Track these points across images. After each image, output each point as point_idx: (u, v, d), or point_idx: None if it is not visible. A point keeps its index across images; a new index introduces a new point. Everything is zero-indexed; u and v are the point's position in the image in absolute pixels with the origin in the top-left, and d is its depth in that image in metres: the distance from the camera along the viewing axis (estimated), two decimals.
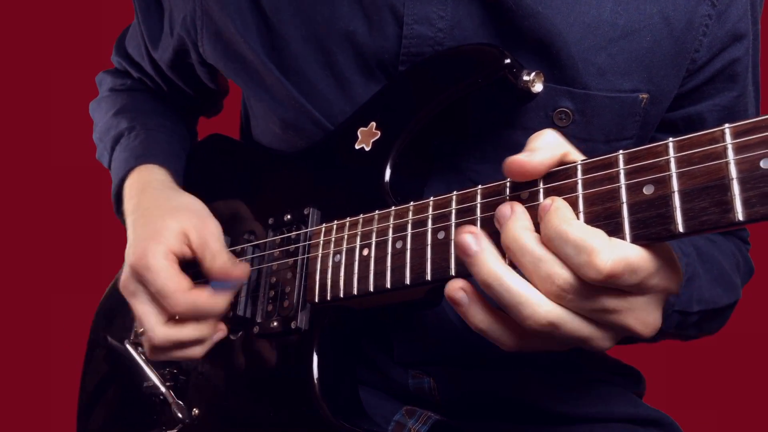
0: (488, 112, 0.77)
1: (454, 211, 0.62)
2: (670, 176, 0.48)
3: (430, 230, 0.63)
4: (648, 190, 0.49)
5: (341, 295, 0.71)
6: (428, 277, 0.62)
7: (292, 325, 0.76)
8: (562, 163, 0.56)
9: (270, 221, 0.84)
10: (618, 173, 0.51)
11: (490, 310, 0.55)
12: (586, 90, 0.75)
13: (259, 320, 0.81)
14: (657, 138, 0.83)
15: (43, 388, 1.97)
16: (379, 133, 0.77)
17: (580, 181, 0.53)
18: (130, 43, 1.10)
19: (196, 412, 0.86)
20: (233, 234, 0.90)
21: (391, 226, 0.67)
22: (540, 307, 0.51)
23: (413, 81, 0.76)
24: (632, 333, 0.53)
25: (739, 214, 0.45)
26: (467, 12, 0.75)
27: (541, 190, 0.56)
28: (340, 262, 0.72)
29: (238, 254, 0.86)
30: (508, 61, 0.68)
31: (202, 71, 0.99)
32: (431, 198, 0.65)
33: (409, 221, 0.66)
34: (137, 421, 0.94)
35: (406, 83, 0.77)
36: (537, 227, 0.53)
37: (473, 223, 0.60)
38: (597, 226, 0.51)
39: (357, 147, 0.79)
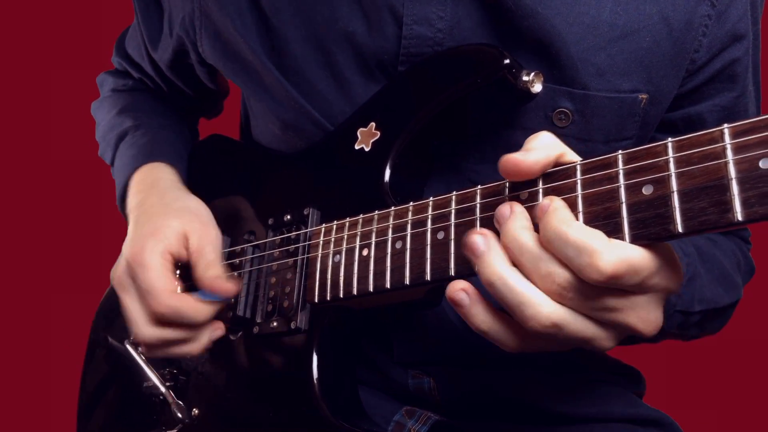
0: (488, 113, 0.77)
1: (453, 212, 0.62)
2: (669, 176, 0.48)
3: (429, 230, 0.63)
4: (647, 191, 0.49)
5: (341, 295, 0.71)
6: (428, 277, 0.62)
7: (292, 325, 0.76)
8: (557, 163, 0.56)
9: (270, 221, 0.84)
10: (617, 173, 0.51)
11: (492, 311, 0.55)
12: (585, 90, 0.75)
13: (258, 320, 0.81)
14: (657, 138, 0.83)
15: (43, 388, 1.97)
16: (378, 133, 0.77)
17: (579, 181, 0.53)
18: (130, 44, 1.10)
19: (196, 412, 0.86)
20: (233, 234, 0.90)
21: (390, 226, 0.67)
22: (543, 307, 0.51)
23: (413, 81, 0.76)
24: (634, 332, 0.52)
25: (738, 214, 0.45)
26: (466, 12, 0.75)
27: (541, 190, 0.56)
28: (339, 262, 0.72)
29: (238, 254, 0.86)
30: (507, 61, 0.68)
31: (201, 71, 0.99)
32: (431, 198, 0.65)
33: (409, 221, 0.66)
34: (137, 421, 0.94)
35: (405, 83, 0.77)
36: (536, 227, 0.53)
37: (473, 223, 0.60)
38: (596, 226, 0.51)
39: (357, 147, 0.79)
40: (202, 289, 0.79)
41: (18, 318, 2.02)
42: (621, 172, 0.51)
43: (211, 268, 0.79)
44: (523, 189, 0.57)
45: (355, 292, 0.69)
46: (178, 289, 0.79)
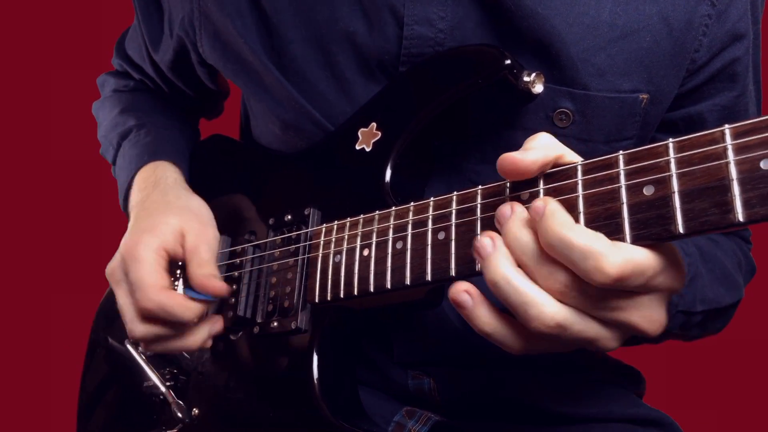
0: (488, 113, 0.77)
1: (454, 212, 0.62)
2: (670, 177, 0.48)
3: (430, 231, 0.63)
4: (648, 191, 0.49)
5: (341, 296, 0.71)
6: (428, 277, 0.62)
7: (293, 325, 0.76)
8: (556, 164, 0.56)
9: (271, 221, 0.84)
10: (618, 174, 0.51)
11: (495, 312, 0.54)
12: (586, 90, 0.75)
13: (259, 320, 0.81)
14: (657, 138, 0.83)
15: (43, 388, 1.97)
16: (379, 133, 0.77)
17: (580, 182, 0.53)
18: (130, 45, 1.10)
19: (196, 411, 0.86)
20: (234, 234, 0.90)
21: (391, 226, 0.67)
22: (546, 307, 0.50)
23: (414, 82, 0.76)
24: (638, 331, 0.52)
25: (740, 215, 0.45)
26: (467, 13, 0.75)
27: (542, 191, 0.56)
28: (340, 262, 0.72)
29: (238, 254, 0.86)
30: (508, 61, 0.68)
31: (202, 72, 0.99)
32: (431, 198, 0.65)
33: (410, 222, 0.66)
34: (137, 421, 0.94)
35: (406, 84, 0.77)
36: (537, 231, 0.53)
37: (473, 223, 0.60)
38: (597, 227, 0.51)
39: (357, 147, 0.79)
40: (192, 287, 0.78)
41: (18, 318, 2.02)
42: (622, 172, 0.51)
43: (204, 266, 0.79)
44: (524, 189, 0.57)
45: (355, 292, 0.69)
46: (170, 286, 0.78)
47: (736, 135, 0.46)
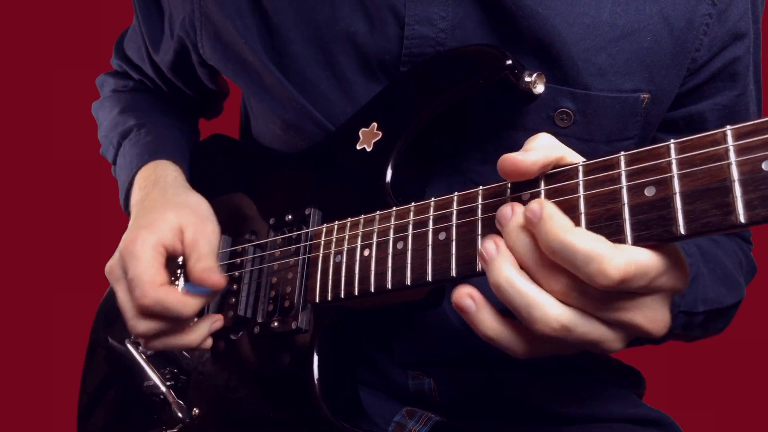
0: (489, 113, 0.77)
1: (455, 212, 0.62)
2: (671, 178, 0.48)
3: (431, 231, 0.63)
4: (649, 192, 0.49)
5: (342, 296, 0.71)
6: (429, 278, 0.62)
7: (293, 325, 0.76)
8: (557, 164, 0.56)
9: (271, 221, 0.84)
10: (619, 174, 0.51)
11: (499, 316, 0.54)
12: (586, 90, 0.75)
13: (259, 320, 0.81)
14: (658, 138, 0.83)
15: (43, 388, 1.97)
16: (380, 133, 0.77)
17: (581, 183, 0.53)
18: (129, 46, 1.10)
19: (197, 411, 0.86)
20: (234, 234, 0.90)
21: (392, 226, 0.67)
22: (551, 309, 0.50)
23: (415, 82, 0.76)
24: (642, 332, 0.52)
25: (741, 217, 0.45)
26: (468, 12, 0.75)
27: (543, 192, 0.56)
28: (341, 262, 0.72)
29: (239, 254, 0.86)
30: (509, 62, 0.68)
31: (202, 72, 0.99)
32: (432, 199, 0.65)
33: (410, 222, 0.66)
34: (137, 420, 0.94)
35: (407, 84, 0.77)
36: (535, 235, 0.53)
37: (474, 224, 0.60)
38: (598, 228, 0.51)
39: (358, 147, 0.79)
40: (190, 282, 0.78)
41: (18, 318, 2.02)
42: (623, 173, 0.51)
43: (202, 260, 0.78)
44: (525, 190, 0.57)
45: (356, 292, 0.69)
46: (168, 282, 0.78)
47: (737, 136, 0.46)
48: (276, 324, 0.78)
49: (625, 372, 0.99)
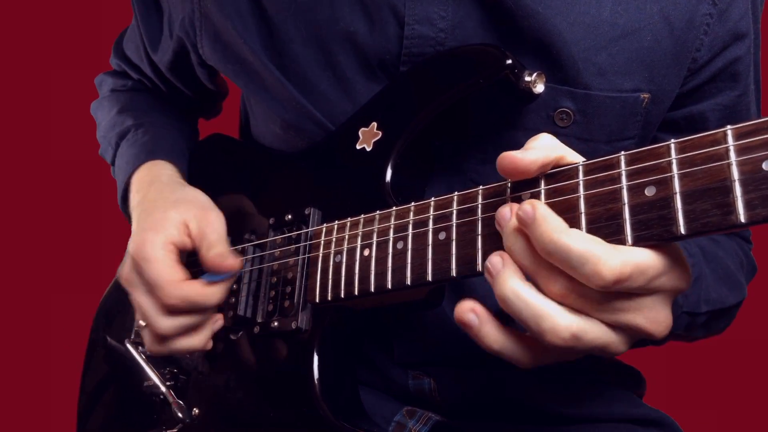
0: (489, 113, 0.77)
1: (455, 212, 0.62)
2: (671, 177, 0.48)
3: (431, 231, 0.63)
4: (650, 192, 0.49)
5: (342, 296, 0.71)
6: (429, 277, 0.62)
7: (293, 325, 0.76)
8: (557, 164, 0.56)
9: (271, 221, 0.84)
10: (620, 174, 0.51)
11: (503, 328, 0.54)
12: (587, 90, 0.75)
13: (259, 320, 0.81)
14: (658, 137, 0.83)
15: (43, 388, 1.97)
16: (380, 133, 0.77)
17: (581, 182, 0.53)
18: (128, 46, 1.10)
19: (197, 411, 0.86)
20: (234, 234, 0.90)
21: (392, 226, 0.67)
22: (560, 319, 0.50)
23: (414, 81, 0.76)
24: (644, 333, 0.52)
25: (741, 216, 0.45)
26: (468, 12, 0.75)
27: (543, 191, 0.56)
28: (341, 262, 0.72)
29: (239, 254, 0.86)
30: (509, 61, 0.68)
31: (201, 72, 0.99)
32: (432, 198, 0.65)
33: (410, 222, 0.66)
34: (137, 420, 0.93)
35: (407, 83, 0.77)
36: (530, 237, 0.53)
37: (474, 224, 0.60)
38: (598, 228, 0.51)
39: (358, 147, 0.79)
40: (207, 272, 0.78)
41: (18, 318, 2.02)
42: (623, 173, 0.51)
43: (213, 247, 0.79)
44: (525, 190, 0.57)
45: (356, 292, 0.69)
46: (188, 277, 0.78)
47: (738, 136, 0.46)
48: (276, 324, 0.78)
49: (625, 372, 0.99)
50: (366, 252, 0.69)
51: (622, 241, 0.50)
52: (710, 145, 0.47)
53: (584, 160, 0.55)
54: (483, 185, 0.61)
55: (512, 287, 0.51)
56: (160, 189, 0.89)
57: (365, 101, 0.80)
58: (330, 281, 0.72)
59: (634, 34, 0.74)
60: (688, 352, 1.57)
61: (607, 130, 0.77)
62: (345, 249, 0.72)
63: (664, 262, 0.49)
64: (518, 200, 0.57)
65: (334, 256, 0.73)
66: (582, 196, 0.53)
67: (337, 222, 0.74)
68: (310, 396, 0.73)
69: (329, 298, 0.72)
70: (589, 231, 0.52)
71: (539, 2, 0.72)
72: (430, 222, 0.64)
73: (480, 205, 0.60)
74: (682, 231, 0.47)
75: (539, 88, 0.69)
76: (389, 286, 0.66)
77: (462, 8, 0.75)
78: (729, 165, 0.46)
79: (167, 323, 0.77)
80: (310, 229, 0.78)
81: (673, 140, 0.49)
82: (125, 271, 0.80)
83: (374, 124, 0.78)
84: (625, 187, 0.51)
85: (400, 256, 0.65)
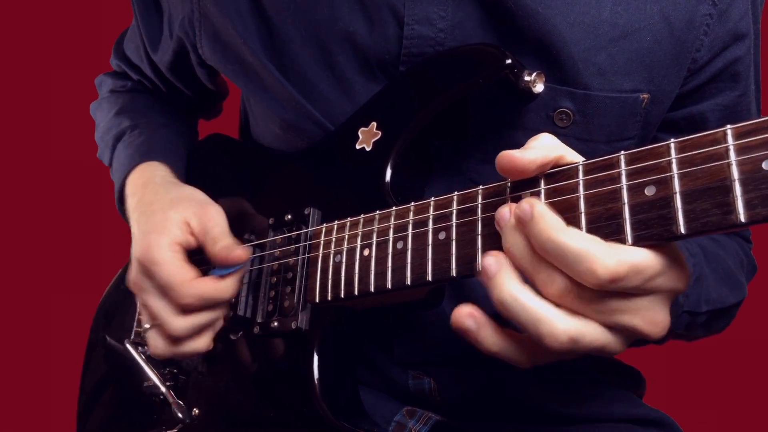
0: (489, 113, 0.77)
1: (455, 212, 0.62)
2: (671, 177, 0.48)
3: (431, 231, 0.63)
4: (649, 191, 0.49)
5: (342, 296, 0.71)
6: (429, 277, 0.62)
7: (293, 325, 0.76)
8: (556, 164, 0.56)
9: (271, 221, 0.84)
10: (619, 174, 0.51)
11: (500, 331, 0.54)
12: (586, 90, 0.75)
13: (259, 320, 0.81)
14: (658, 138, 0.83)
15: (43, 388, 1.97)
16: (380, 133, 0.77)
17: (581, 182, 0.53)
18: (129, 46, 1.10)
19: (196, 411, 0.86)
20: (234, 234, 0.89)
21: (391, 226, 0.67)
22: (558, 324, 0.50)
23: (414, 81, 0.76)
24: (641, 335, 0.52)
25: (741, 216, 0.45)
26: (467, 12, 0.75)
27: (543, 191, 0.56)
28: (340, 262, 0.72)
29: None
30: (509, 61, 0.68)
31: (201, 72, 0.99)
32: (432, 198, 0.65)
33: (410, 221, 0.66)
34: (137, 420, 0.93)
35: (406, 83, 0.77)
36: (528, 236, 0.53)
37: (474, 223, 0.60)
38: (598, 227, 0.51)
39: (358, 147, 0.79)
40: (215, 267, 0.78)
41: (18, 318, 2.02)
42: (623, 172, 0.51)
43: (218, 241, 0.79)
44: (525, 189, 0.57)
45: (356, 292, 0.69)
46: (199, 275, 0.78)
47: (737, 135, 0.46)
48: (276, 324, 0.78)
49: (625, 372, 0.99)
50: (366, 252, 0.69)
51: (622, 241, 0.50)
52: (710, 144, 0.47)
53: (584, 159, 0.55)
54: (483, 185, 0.61)
55: (510, 291, 0.51)
56: (155, 190, 0.89)
57: (365, 101, 0.80)
58: (330, 281, 0.72)
59: (634, 34, 0.74)
60: (688, 352, 1.57)
61: (607, 131, 0.77)
62: (345, 249, 0.72)
63: (661, 262, 0.49)
64: (518, 200, 0.57)
65: (334, 256, 0.73)
66: (582, 196, 0.53)
67: (336, 222, 0.74)
68: (310, 396, 0.73)
69: (329, 298, 0.72)
70: (589, 231, 0.51)
71: (539, 2, 0.72)
72: (430, 222, 0.64)
73: (480, 205, 0.60)
74: (682, 231, 0.47)
75: (539, 87, 0.69)
76: (389, 286, 0.66)
77: (461, 8, 0.75)
78: (729, 164, 0.46)
79: (181, 323, 0.77)
80: (309, 229, 0.78)
81: (672, 140, 0.49)
82: (133, 276, 0.80)
83: (374, 124, 0.78)
84: (624, 186, 0.51)
85: (399, 256, 0.65)
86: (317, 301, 0.74)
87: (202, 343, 0.80)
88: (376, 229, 0.69)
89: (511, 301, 0.51)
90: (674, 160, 0.49)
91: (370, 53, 0.79)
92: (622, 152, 0.52)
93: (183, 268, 0.77)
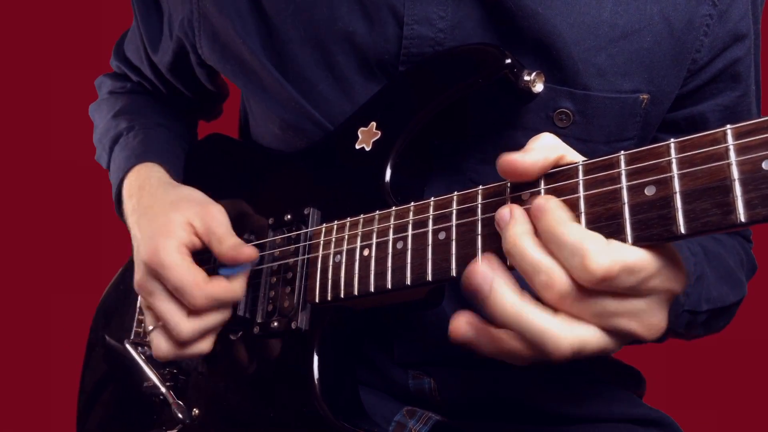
0: (488, 113, 0.77)
1: (455, 212, 0.62)
2: (671, 177, 0.48)
3: (431, 231, 0.63)
4: (649, 191, 0.49)
5: (342, 296, 0.71)
6: (429, 277, 0.62)
7: (293, 326, 0.76)
8: (557, 165, 0.56)
9: (270, 221, 0.84)
10: (619, 174, 0.51)
11: (498, 335, 0.54)
12: (586, 91, 0.75)
13: (259, 320, 0.81)
14: (659, 138, 0.83)
15: (43, 388, 1.97)
16: (379, 133, 0.77)
17: (581, 182, 0.53)
18: (129, 47, 1.10)
19: (196, 412, 0.86)
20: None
21: (391, 226, 0.67)
22: (563, 339, 0.50)
23: (413, 81, 0.76)
24: (638, 337, 0.52)
25: (741, 216, 0.45)
26: (467, 12, 0.75)
27: (543, 191, 0.56)
28: (340, 262, 0.72)
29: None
30: (508, 61, 0.68)
31: (201, 73, 0.99)
32: (432, 198, 0.65)
33: (410, 222, 0.66)
34: (137, 421, 0.93)
35: (406, 83, 0.77)
36: (536, 228, 0.53)
37: (474, 224, 0.60)
38: (599, 227, 0.51)
39: (357, 147, 0.78)
40: (222, 267, 0.78)
41: (18, 318, 2.02)
42: (623, 172, 0.51)
43: (224, 240, 0.79)
44: (525, 189, 0.57)
45: (356, 292, 0.69)
46: (208, 277, 0.78)
47: (737, 135, 0.46)
48: (275, 324, 0.78)
49: (625, 372, 0.99)
50: (366, 252, 0.69)
51: (622, 241, 0.50)
52: (710, 144, 0.47)
53: (584, 159, 0.55)
54: (482, 185, 0.61)
55: (512, 311, 0.51)
56: (152, 192, 0.89)
57: (364, 101, 0.80)
58: (330, 281, 0.72)
59: (633, 35, 0.74)
60: (688, 352, 1.57)
61: (606, 131, 0.77)
62: (344, 249, 0.72)
63: (657, 263, 0.49)
64: (518, 200, 0.57)
65: (334, 256, 0.73)
66: (582, 196, 0.53)
67: (336, 222, 0.74)
68: (310, 396, 0.73)
69: (329, 299, 0.72)
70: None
71: (539, 3, 0.72)
72: (430, 222, 0.64)
73: (480, 205, 0.60)
74: (682, 230, 0.47)
75: (538, 87, 0.69)
76: (389, 286, 0.66)
77: (461, 8, 0.75)
78: (729, 164, 0.46)
79: (190, 326, 0.77)
80: (309, 229, 0.78)
81: (672, 140, 0.49)
82: (139, 278, 0.80)
83: (373, 124, 0.78)
84: (624, 186, 0.51)
85: (399, 256, 0.65)
86: (317, 301, 0.74)
87: (206, 345, 0.80)
88: (375, 229, 0.69)
89: (513, 321, 0.51)
90: (674, 160, 0.49)
91: (369, 53, 0.79)
92: (622, 152, 0.52)
93: (193, 270, 0.77)
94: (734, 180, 0.45)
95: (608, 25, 0.73)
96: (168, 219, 0.81)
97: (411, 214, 0.66)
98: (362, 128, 0.79)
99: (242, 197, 0.92)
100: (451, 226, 0.62)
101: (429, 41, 0.76)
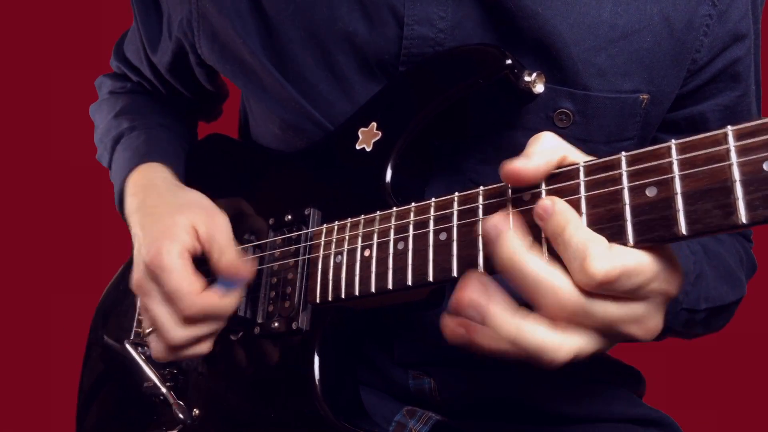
0: (489, 113, 0.77)
1: (456, 212, 0.62)
2: (673, 178, 0.48)
3: (432, 231, 0.63)
4: (651, 192, 0.49)
5: (342, 296, 0.71)
6: (430, 278, 0.62)
7: (293, 326, 0.76)
8: (560, 166, 0.56)
9: (271, 221, 0.84)
10: (621, 175, 0.51)
11: (493, 339, 0.54)
12: (586, 91, 0.75)
13: (259, 321, 0.81)
14: (659, 138, 0.83)
15: (43, 388, 1.97)
16: (380, 133, 0.77)
17: (582, 183, 0.53)
18: (129, 48, 1.10)
19: (197, 412, 0.86)
20: (234, 234, 0.89)
21: (392, 227, 0.67)
22: (560, 353, 0.51)
23: (414, 81, 0.76)
24: (635, 339, 0.53)
25: (742, 217, 0.45)
26: (467, 13, 0.75)
27: (543, 192, 0.56)
28: (341, 262, 0.72)
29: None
30: (509, 61, 0.68)
31: (200, 73, 0.99)
32: (433, 199, 0.65)
33: (411, 222, 0.66)
34: (137, 421, 0.93)
35: (406, 83, 0.77)
36: (532, 230, 0.54)
37: (475, 224, 0.60)
38: (600, 229, 0.51)
39: (358, 147, 0.78)
40: (220, 279, 0.78)
41: (18, 318, 2.02)
42: (624, 173, 0.51)
43: (225, 253, 0.79)
44: (526, 190, 0.57)
45: (356, 292, 0.69)
46: (205, 287, 0.78)
47: (739, 137, 0.46)
48: (276, 324, 0.78)
49: (625, 372, 0.99)
50: (366, 252, 0.69)
51: (624, 242, 0.50)
52: (711, 145, 0.47)
53: (586, 159, 0.55)
54: (483, 185, 0.61)
55: (509, 331, 0.52)
56: (159, 193, 0.89)
57: (364, 101, 0.80)
58: (330, 282, 0.72)
59: (633, 35, 0.74)
60: (688, 352, 1.57)
61: (606, 131, 0.77)
62: (345, 249, 0.72)
63: (655, 267, 0.50)
64: (519, 200, 0.57)
65: (335, 257, 0.73)
66: (583, 197, 0.53)
67: (337, 222, 0.74)
68: (311, 396, 0.73)
69: (330, 299, 0.72)
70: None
71: (539, 3, 0.72)
72: (431, 222, 0.64)
73: (481, 206, 0.60)
74: (684, 232, 0.47)
75: (539, 88, 0.69)
76: (390, 287, 0.66)
77: (461, 9, 0.75)
78: (730, 166, 0.46)
79: (182, 334, 0.77)
80: (310, 230, 0.78)
81: (673, 141, 0.49)
82: (137, 278, 0.79)
83: (374, 124, 0.78)
84: (626, 188, 0.51)
85: (400, 256, 0.65)
86: (318, 301, 0.74)
87: (204, 347, 0.80)
88: (376, 230, 0.69)
89: (512, 338, 0.52)
90: (675, 162, 0.49)
91: (369, 53, 0.79)
92: (623, 153, 0.52)
93: (191, 278, 0.77)
94: (735, 181, 0.45)
95: (608, 25, 0.73)
96: (173, 221, 0.80)
97: (412, 214, 0.66)
98: (363, 128, 0.79)
99: (242, 197, 0.92)
100: (452, 226, 0.62)
101: (429, 41, 0.76)
